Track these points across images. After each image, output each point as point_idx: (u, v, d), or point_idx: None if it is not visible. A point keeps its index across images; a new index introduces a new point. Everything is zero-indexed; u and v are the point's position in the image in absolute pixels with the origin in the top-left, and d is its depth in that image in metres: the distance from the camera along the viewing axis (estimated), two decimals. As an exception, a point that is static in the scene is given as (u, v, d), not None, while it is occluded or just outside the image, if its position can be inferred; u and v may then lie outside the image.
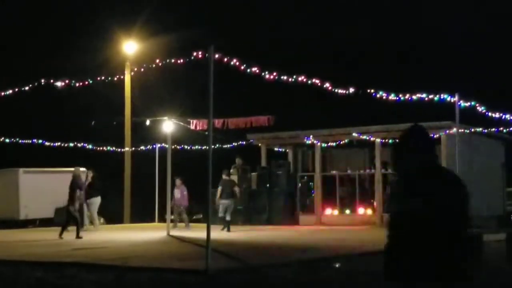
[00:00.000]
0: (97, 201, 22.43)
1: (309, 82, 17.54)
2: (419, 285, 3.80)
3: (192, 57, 16.14)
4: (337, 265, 12.31)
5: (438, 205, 3.78)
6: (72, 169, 21.01)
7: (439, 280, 3.76)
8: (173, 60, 18.92)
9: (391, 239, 3.95)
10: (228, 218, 21.68)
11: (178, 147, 28.64)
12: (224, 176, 22.13)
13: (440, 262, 3.75)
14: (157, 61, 20.21)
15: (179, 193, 23.34)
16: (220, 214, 21.68)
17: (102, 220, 27.32)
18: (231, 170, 25.26)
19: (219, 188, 21.70)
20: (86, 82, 21.19)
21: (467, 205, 3.86)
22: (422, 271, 3.78)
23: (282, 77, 17.11)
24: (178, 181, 23.20)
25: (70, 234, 18.82)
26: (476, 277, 3.84)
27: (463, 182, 3.92)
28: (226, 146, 28.99)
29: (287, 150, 29.62)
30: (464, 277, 3.79)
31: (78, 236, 18.48)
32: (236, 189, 22.26)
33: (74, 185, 22.34)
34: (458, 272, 3.77)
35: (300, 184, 27.67)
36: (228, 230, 21.19)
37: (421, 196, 3.83)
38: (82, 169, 22.01)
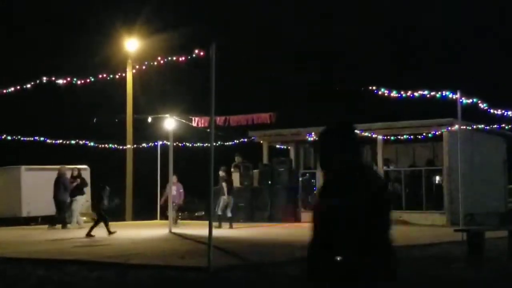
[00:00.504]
0: (81, 199, 22.69)
1: (311, 80, 17.54)
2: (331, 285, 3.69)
3: (194, 55, 16.13)
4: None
5: (351, 206, 3.66)
6: (58, 167, 21.09)
7: (347, 281, 3.64)
8: (174, 58, 18.92)
9: (311, 236, 3.84)
10: (229, 214, 21.75)
11: (180, 144, 28.64)
12: (221, 173, 22.24)
13: (350, 265, 3.64)
14: (159, 58, 20.23)
15: (175, 190, 23.37)
16: (219, 212, 21.70)
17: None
18: (232, 169, 25.30)
19: (224, 184, 21.92)
20: (88, 80, 21.21)
21: (383, 209, 3.72)
22: (333, 272, 3.68)
23: (283, 75, 17.11)
24: (174, 178, 23.22)
25: (73, 232, 18.80)
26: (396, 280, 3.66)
27: (383, 185, 3.82)
28: (227, 143, 28.99)
29: (289, 147, 29.61)
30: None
31: (109, 232, 18.47)
32: (224, 184, 22.28)
33: (60, 183, 22.45)
34: (365, 275, 3.62)
35: (302, 181, 27.65)
36: (231, 227, 21.25)
37: (336, 195, 3.72)
38: (84, 166, 22.06)
